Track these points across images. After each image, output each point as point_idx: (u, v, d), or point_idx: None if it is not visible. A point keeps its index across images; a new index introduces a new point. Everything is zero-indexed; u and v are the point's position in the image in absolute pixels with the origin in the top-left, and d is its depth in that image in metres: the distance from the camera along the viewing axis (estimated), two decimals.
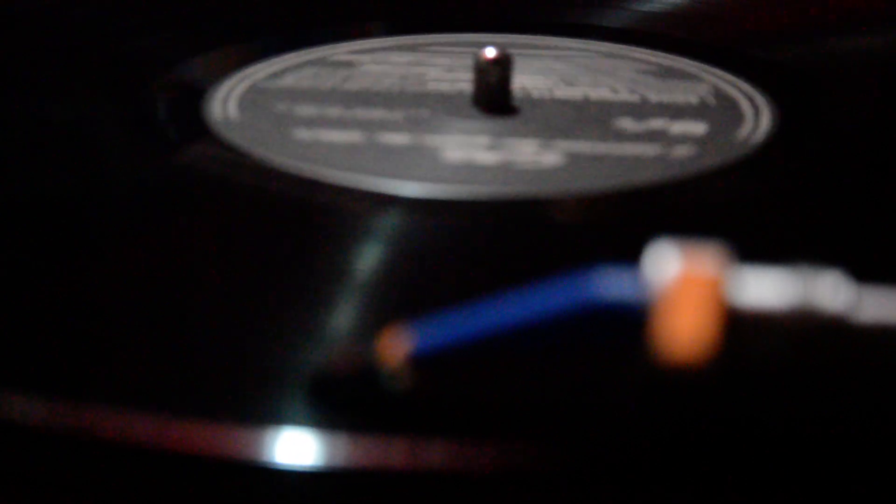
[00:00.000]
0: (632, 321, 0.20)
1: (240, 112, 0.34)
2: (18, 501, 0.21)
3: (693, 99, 0.35)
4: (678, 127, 0.33)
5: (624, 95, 0.35)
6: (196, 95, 0.35)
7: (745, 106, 0.35)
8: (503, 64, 0.34)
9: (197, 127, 0.33)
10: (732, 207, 0.30)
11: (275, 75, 0.37)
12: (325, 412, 0.22)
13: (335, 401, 0.22)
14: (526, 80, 0.36)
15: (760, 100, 0.35)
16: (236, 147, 0.32)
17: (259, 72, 0.37)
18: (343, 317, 0.25)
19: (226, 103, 0.34)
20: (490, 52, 0.34)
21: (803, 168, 0.32)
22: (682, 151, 0.32)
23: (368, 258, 0.27)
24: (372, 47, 0.39)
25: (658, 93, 0.35)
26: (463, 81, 0.36)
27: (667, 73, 0.37)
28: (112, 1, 0.43)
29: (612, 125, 0.33)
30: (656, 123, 0.33)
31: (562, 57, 0.38)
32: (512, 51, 0.34)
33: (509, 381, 0.22)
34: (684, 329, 0.20)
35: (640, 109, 0.34)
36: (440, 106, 0.34)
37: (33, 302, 0.25)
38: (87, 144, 0.33)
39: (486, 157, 0.31)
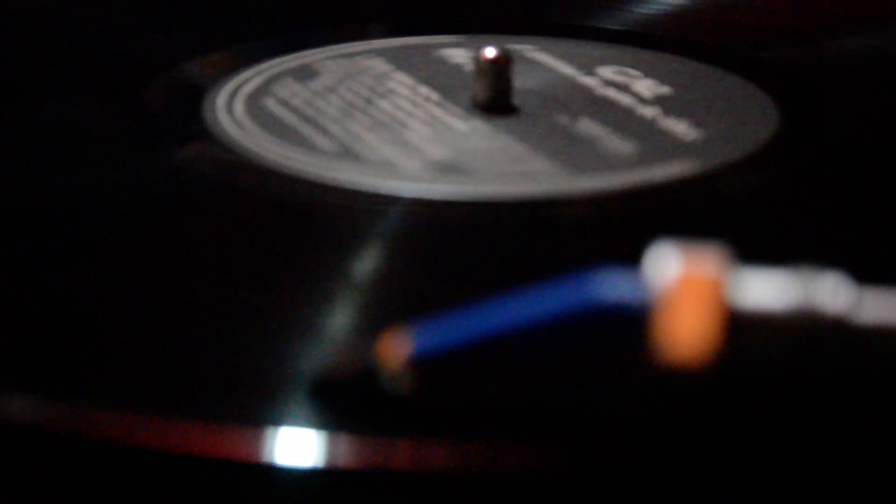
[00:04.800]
0: (632, 323, 0.20)
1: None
2: (18, 501, 0.21)
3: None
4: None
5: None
6: (195, 96, 0.35)
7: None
8: (503, 63, 0.34)
9: (196, 127, 0.33)
10: (732, 207, 0.30)
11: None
12: (325, 413, 0.22)
13: (336, 401, 0.22)
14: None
15: (762, 100, 0.35)
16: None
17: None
18: (344, 317, 0.25)
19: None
20: (490, 52, 0.34)
21: (804, 168, 0.32)
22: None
23: (369, 259, 0.27)
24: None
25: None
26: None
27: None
28: (112, 1, 0.43)
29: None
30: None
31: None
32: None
33: (510, 381, 0.22)
34: (685, 330, 0.20)
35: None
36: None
37: (32, 302, 0.25)
38: (86, 144, 0.33)
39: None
